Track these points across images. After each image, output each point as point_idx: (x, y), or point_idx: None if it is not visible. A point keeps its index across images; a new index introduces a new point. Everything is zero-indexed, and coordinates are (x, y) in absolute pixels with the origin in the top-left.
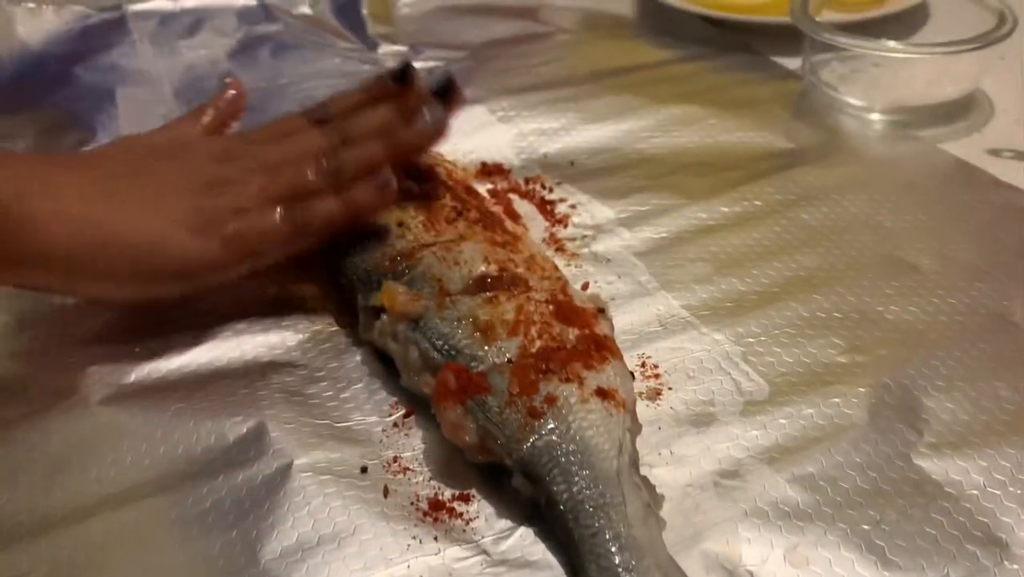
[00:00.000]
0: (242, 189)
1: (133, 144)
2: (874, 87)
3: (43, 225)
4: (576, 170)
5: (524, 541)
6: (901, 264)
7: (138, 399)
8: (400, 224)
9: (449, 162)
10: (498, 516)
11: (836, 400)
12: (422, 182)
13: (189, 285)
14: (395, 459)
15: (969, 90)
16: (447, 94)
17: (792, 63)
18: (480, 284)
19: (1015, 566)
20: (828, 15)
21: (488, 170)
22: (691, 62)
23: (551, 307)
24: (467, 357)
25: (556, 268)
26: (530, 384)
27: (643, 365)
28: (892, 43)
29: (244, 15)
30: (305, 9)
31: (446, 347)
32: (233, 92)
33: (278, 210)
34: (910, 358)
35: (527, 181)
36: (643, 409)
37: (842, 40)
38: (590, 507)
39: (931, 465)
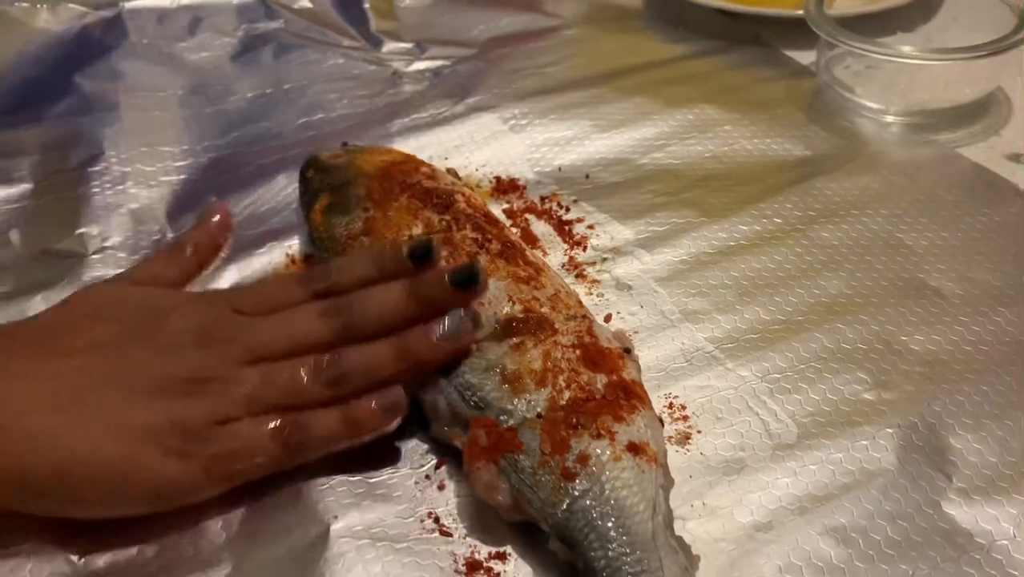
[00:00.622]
0: (227, 390)
1: (100, 308)
2: (890, 88)
3: None
4: (592, 185)
5: None
6: (924, 288)
7: None
8: None
9: (467, 187)
10: (535, 575)
11: (864, 443)
12: (442, 211)
13: (164, 507)
14: (430, 514)
15: (988, 90)
16: (469, 287)
17: (804, 57)
18: (507, 328)
19: None
20: (841, 5)
21: (503, 187)
22: (702, 58)
23: (578, 352)
24: (496, 410)
25: (580, 303)
26: (562, 442)
27: (671, 406)
28: (908, 48)
29: (243, 11)
30: (306, 2)
31: (474, 399)
32: (217, 219)
33: (269, 425)
34: (936, 393)
35: (543, 200)
36: (674, 456)
37: (858, 45)
38: (629, 573)
39: (961, 514)
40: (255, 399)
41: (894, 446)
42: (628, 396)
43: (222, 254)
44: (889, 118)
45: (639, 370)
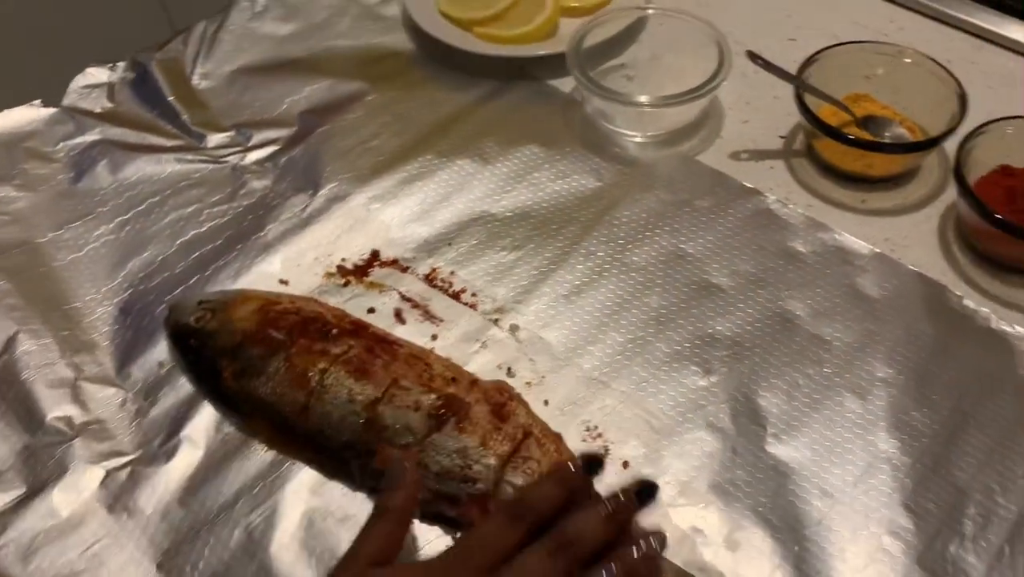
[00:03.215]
0: None
1: None
2: (640, 118)
3: None
4: (456, 251)
5: None
6: (710, 286)
7: None
8: (350, 393)
9: (315, 300)
10: None
11: (711, 419)
12: (326, 337)
13: None
14: None
15: (707, 105)
16: (649, 501)
17: (563, 84)
18: (436, 421)
19: (840, 507)
20: (566, 21)
21: (394, 267)
22: (489, 102)
23: (488, 409)
24: (469, 485)
25: (459, 367)
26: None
27: (588, 430)
28: (644, 98)
29: (52, 126)
30: (107, 103)
31: (444, 488)
32: (407, 478)
33: None
34: (741, 369)
35: (428, 278)
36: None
37: (607, 96)
38: None
39: (776, 450)
40: None
41: (728, 416)
42: (545, 437)
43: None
44: (641, 139)
45: (528, 411)
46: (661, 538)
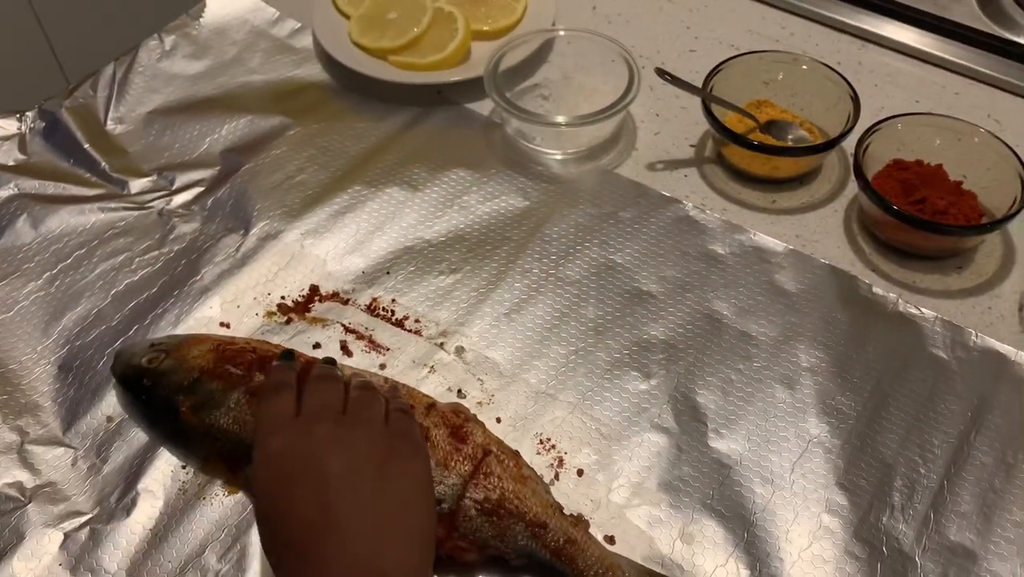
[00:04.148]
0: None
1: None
2: (558, 136)
3: None
4: (395, 280)
5: None
6: (641, 293)
7: None
8: None
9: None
10: None
11: (657, 420)
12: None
13: None
14: None
15: (621, 119)
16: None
17: (481, 107)
18: None
19: (781, 492)
20: (478, 45)
21: (334, 301)
22: (412, 128)
23: (447, 432)
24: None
25: (417, 391)
26: (496, 504)
27: (541, 443)
28: (560, 118)
29: None
30: (19, 155)
31: None
32: None
33: None
34: (678, 370)
35: (370, 308)
36: (563, 478)
37: (521, 114)
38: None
39: (718, 445)
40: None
41: (671, 416)
42: (499, 450)
43: None
44: (562, 156)
45: (484, 430)
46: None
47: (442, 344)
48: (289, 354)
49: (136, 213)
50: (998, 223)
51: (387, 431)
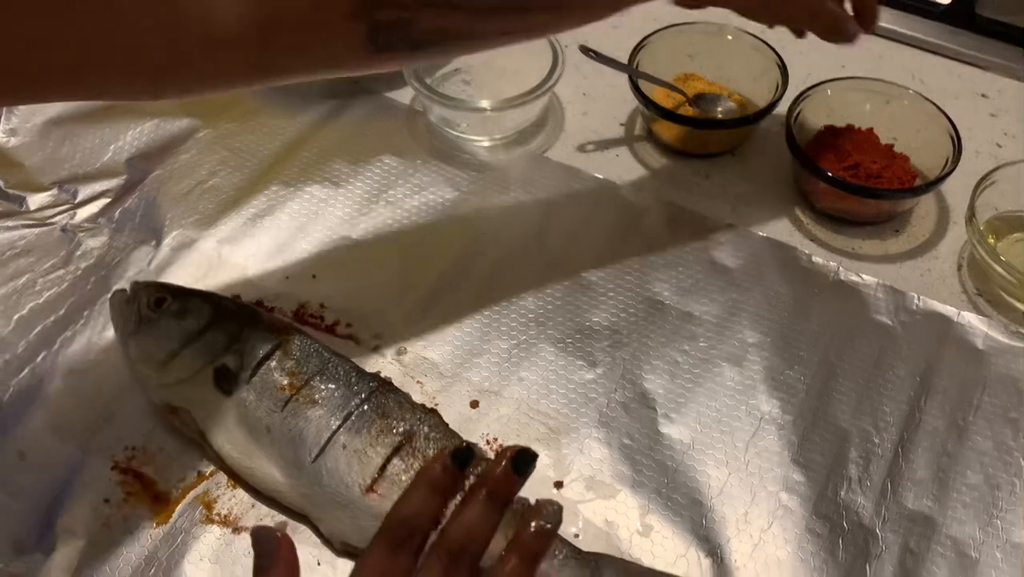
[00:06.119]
0: None
1: None
2: (485, 122)
3: None
4: (322, 283)
5: None
6: (584, 282)
7: None
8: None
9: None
10: None
11: (605, 409)
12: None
13: None
14: None
15: (548, 101)
16: (525, 470)
17: (402, 95)
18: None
19: (737, 473)
20: None
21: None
22: (329, 122)
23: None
24: None
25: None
26: None
27: (488, 443)
28: (485, 102)
29: None
30: None
31: None
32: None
33: None
34: (623, 356)
35: (299, 316)
36: None
37: (443, 101)
38: None
39: (669, 430)
40: None
41: (619, 404)
42: None
43: None
44: (489, 143)
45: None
46: (554, 510)
47: (377, 347)
48: (466, 454)
49: (37, 230)
50: (932, 184)
51: None
